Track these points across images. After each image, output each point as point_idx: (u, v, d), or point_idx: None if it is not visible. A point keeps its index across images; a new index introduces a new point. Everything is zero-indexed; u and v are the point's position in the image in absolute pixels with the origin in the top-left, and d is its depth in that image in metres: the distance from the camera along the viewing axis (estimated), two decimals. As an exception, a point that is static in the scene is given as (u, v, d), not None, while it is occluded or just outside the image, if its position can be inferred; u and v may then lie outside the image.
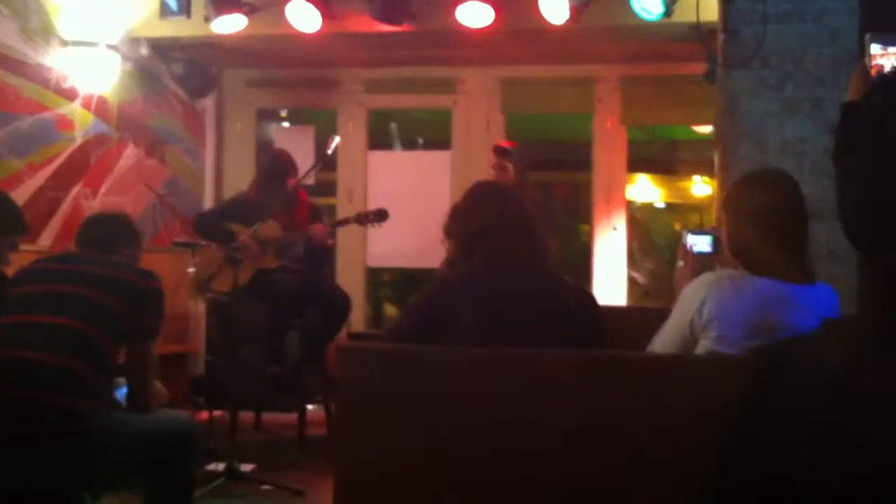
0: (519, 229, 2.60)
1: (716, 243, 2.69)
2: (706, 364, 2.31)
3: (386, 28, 5.47)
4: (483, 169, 5.82)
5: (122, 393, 3.03)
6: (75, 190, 5.44)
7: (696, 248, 2.71)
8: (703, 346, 2.38)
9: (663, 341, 2.49)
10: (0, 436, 2.63)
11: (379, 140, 7.54)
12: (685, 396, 2.12)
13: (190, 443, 3.04)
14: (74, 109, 5.44)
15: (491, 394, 2.18)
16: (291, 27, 5.51)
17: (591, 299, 2.67)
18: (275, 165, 5.45)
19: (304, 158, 5.68)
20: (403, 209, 5.73)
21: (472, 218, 2.63)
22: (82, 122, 5.50)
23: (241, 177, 6.66)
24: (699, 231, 2.75)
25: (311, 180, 6.02)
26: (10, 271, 3.17)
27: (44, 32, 5.21)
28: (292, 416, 5.30)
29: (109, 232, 3.21)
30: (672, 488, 2.04)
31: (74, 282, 2.92)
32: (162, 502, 3.00)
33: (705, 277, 2.46)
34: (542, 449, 2.14)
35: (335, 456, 2.28)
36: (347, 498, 2.23)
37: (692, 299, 2.40)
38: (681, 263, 2.73)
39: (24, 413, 2.69)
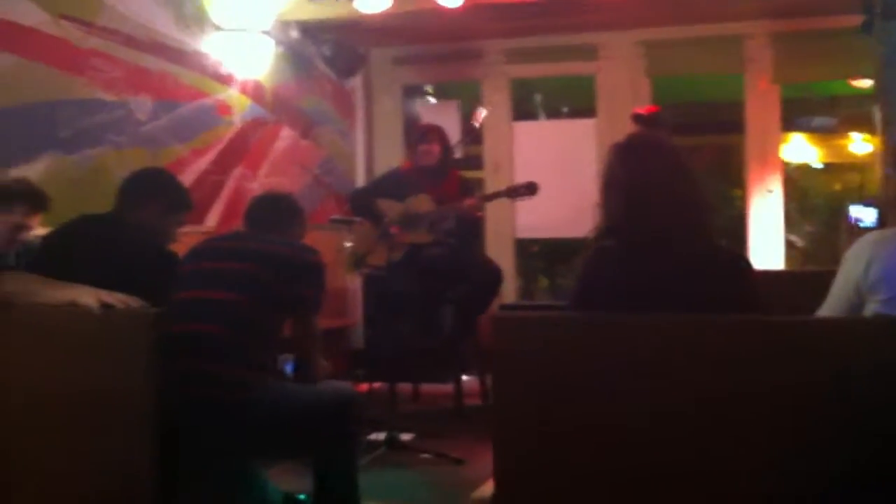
0: (669, 190, 2.44)
1: (882, 217, 2.56)
2: (864, 326, 2.14)
3: (526, -3, 5.45)
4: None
5: (290, 368, 3.15)
6: (236, 172, 5.67)
7: (861, 223, 2.59)
8: (871, 310, 2.28)
9: (829, 308, 2.39)
10: (172, 405, 2.77)
11: (523, 110, 7.51)
12: (839, 362, 2.01)
13: (353, 413, 3.12)
14: (232, 94, 5.65)
15: (642, 359, 2.15)
16: (433, 2, 5.55)
17: (746, 266, 2.54)
18: (421, 131, 5.60)
19: (449, 133, 5.74)
20: (550, 179, 5.70)
21: (620, 180, 2.50)
22: (240, 106, 5.71)
23: (390, 154, 6.80)
24: (863, 203, 2.62)
25: (458, 154, 6.08)
26: (180, 250, 3.34)
27: (198, 19, 5.38)
28: (448, 387, 5.39)
29: (276, 211, 3.35)
30: (819, 457, 1.96)
31: (239, 259, 3.07)
32: (328, 470, 3.10)
33: (871, 236, 2.34)
34: (696, 414, 2.10)
35: (492, 424, 2.32)
36: (507, 465, 2.26)
37: (857, 260, 2.30)
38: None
39: (195, 383, 2.82)
